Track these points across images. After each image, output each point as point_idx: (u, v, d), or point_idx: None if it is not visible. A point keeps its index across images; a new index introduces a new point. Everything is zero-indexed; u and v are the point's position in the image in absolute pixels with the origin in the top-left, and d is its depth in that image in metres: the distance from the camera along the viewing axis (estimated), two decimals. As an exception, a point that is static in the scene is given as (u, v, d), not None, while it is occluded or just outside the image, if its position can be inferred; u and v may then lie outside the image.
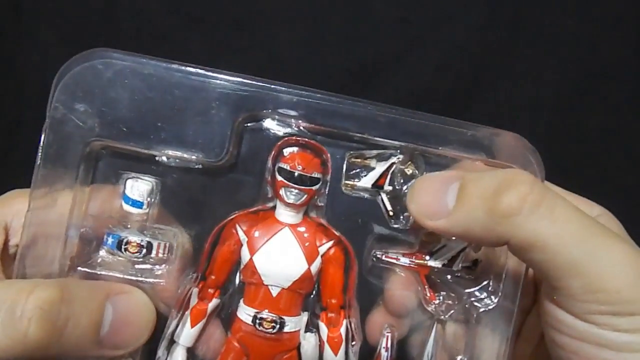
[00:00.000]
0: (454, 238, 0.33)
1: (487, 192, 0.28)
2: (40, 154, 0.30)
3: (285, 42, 0.58)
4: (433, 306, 0.33)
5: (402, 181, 0.33)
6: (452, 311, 0.33)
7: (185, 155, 0.30)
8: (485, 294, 0.33)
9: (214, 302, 0.34)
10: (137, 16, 0.55)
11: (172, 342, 0.34)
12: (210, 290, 0.34)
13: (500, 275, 0.32)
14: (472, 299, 0.33)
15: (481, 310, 0.32)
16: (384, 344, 0.33)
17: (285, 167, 0.32)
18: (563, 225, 0.27)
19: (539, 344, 0.35)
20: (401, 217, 0.33)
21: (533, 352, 0.35)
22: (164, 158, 0.31)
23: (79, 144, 0.30)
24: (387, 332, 0.33)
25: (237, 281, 0.35)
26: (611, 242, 0.27)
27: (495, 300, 0.32)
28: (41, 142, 0.29)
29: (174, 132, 0.30)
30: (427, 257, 0.33)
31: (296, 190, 0.32)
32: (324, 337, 0.34)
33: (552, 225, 0.27)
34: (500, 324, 0.32)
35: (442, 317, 0.33)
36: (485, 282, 0.33)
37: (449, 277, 0.33)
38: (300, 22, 0.59)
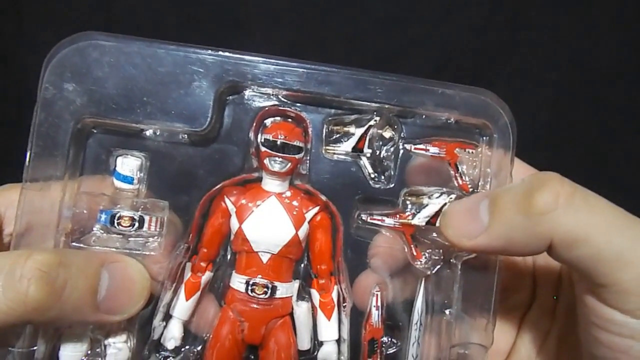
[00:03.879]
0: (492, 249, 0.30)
1: (518, 197, 0.28)
2: (32, 132, 0.31)
3: (285, 42, 0.60)
4: (419, 263, 0.34)
5: (380, 144, 0.34)
6: (438, 266, 0.34)
7: (171, 127, 0.32)
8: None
9: (207, 275, 0.35)
10: (137, 16, 0.57)
11: (167, 315, 0.35)
12: (203, 264, 0.35)
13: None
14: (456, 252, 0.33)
15: (464, 259, 0.33)
16: (374, 303, 0.34)
17: (268, 137, 0.34)
18: (601, 215, 0.27)
19: (545, 340, 0.35)
20: (382, 178, 0.34)
21: (539, 351, 0.35)
22: (151, 132, 0.33)
23: (69, 121, 0.31)
24: (377, 291, 0.34)
25: (228, 255, 0.36)
26: None
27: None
28: (32, 122, 0.31)
29: (159, 105, 0.32)
30: (411, 217, 0.34)
31: (280, 159, 0.34)
32: (316, 303, 0.35)
33: (591, 217, 0.27)
34: (485, 273, 0.33)
35: (429, 272, 0.34)
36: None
37: (434, 234, 0.34)
38: (300, 22, 0.61)
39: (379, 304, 0.34)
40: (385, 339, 0.34)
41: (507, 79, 0.60)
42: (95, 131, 0.33)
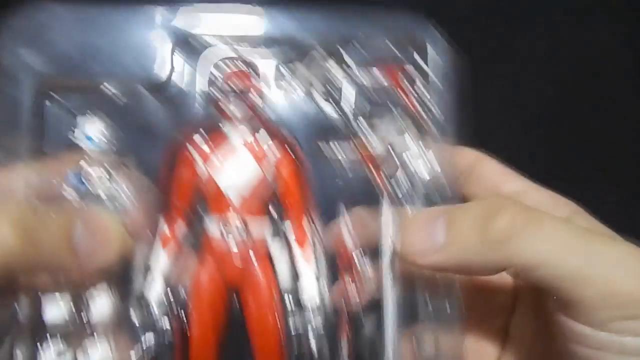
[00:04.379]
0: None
1: (476, 221, 0.29)
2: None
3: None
4: (382, 185, 0.36)
5: (328, 76, 0.37)
6: (399, 184, 0.36)
7: (128, 80, 0.33)
8: (424, 154, 0.36)
9: (181, 227, 0.36)
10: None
11: (147, 271, 0.35)
12: (176, 217, 0.36)
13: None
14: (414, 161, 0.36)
15: (423, 166, 0.35)
16: (344, 226, 0.36)
17: (223, 84, 0.36)
18: (556, 238, 0.28)
19: (533, 345, 0.35)
20: (333, 106, 0.36)
21: (529, 350, 0.36)
22: (111, 88, 0.34)
23: (26, 84, 0.32)
24: (345, 213, 0.36)
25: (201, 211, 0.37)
26: (609, 244, 0.28)
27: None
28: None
29: (115, 60, 0.33)
30: (367, 143, 0.36)
31: (237, 102, 0.35)
32: (290, 239, 0.37)
33: (545, 241, 0.28)
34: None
35: (392, 189, 0.36)
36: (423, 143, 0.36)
37: (392, 154, 0.36)
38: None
39: (349, 226, 0.36)
40: (360, 260, 0.36)
41: (506, 78, 0.60)
42: (54, 94, 0.34)
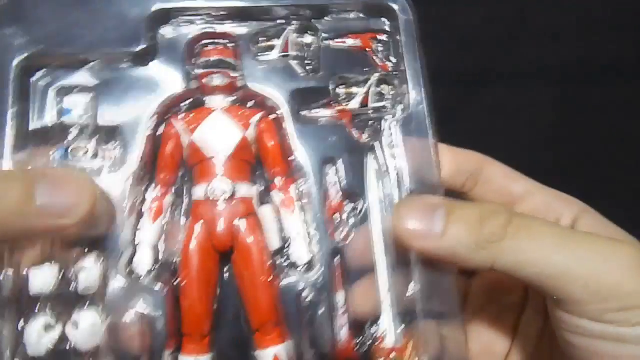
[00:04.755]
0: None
1: (472, 219, 0.31)
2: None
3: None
4: (363, 139, 0.37)
5: (304, 48, 0.39)
6: (378, 136, 0.37)
7: (110, 50, 0.35)
8: (399, 106, 0.37)
9: (168, 198, 0.36)
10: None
11: (134, 242, 0.35)
12: (163, 189, 0.36)
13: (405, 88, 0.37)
14: (391, 117, 0.37)
15: (399, 118, 0.36)
16: (329, 181, 0.36)
17: (202, 60, 0.37)
18: (542, 239, 0.30)
19: (540, 342, 0.37)
20: (311, 74, 0.38)
21: (535, 350, 0.37)
22: (94, 62, 0.35)
23: (12, 60, 0.33)
24: (329, 169, 0.36)
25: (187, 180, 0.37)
26: (593, 243, 0.30)
27: (409, 108, 0.37)
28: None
29: (97, 36, 0.35)
30: (345, 103, 0.38)
31: (217, 74, 0.37)
32: (278, 203, 0.37)
33: (532, 242, 0.30)
34: (419, 126, 0.36)
35: (372, 143, 0.37)
36: (397, 99, 0.37)
37: (370, 112, 0.38)
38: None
39: (334, 180, 0.36)
40: (348, 207, 0.36)
41: (506, 78, 0.61)
42: (38, 70, 0.35)
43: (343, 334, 0.34)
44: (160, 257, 0.35)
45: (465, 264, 0.32)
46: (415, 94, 0.36)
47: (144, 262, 0.35)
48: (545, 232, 0.31)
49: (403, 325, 0.34)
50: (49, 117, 0.35)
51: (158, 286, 0.34)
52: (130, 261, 0.35)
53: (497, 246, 0.30)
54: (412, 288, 0.34)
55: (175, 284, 0.34)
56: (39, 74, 0.35)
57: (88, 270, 0.33)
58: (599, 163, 0.60)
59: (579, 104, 0.61)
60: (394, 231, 0.32)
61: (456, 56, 0.59)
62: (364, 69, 0.38)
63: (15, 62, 0.34)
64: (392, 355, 0.33)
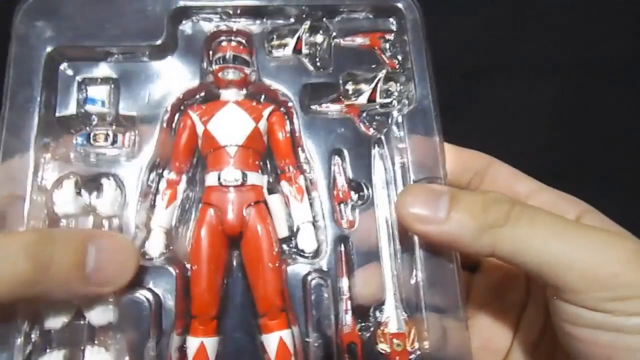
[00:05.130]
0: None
1: (475, 206, 0.32)
2: (8, 66, 0.35)
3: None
4: (370, 133, 0.38)
5: (316, 47, 0.40)
6: (385, 129, 0.38)
7: (132, 44, 0.37)
8: (406, 101, 0.38)
9: (182, 184, 0.38)
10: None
11: (148, 227, 0.37)
12: (177, 176, 0.38)
13: (411, 85, 0.39)
14: (397, 111, 0.38)
15: (406, 112, 0.38)
16: (336, 171, 0.37)
17: (218, 55, 0.39)
18: (542, 227, 0.31)
19: (541, 339, 0.38)
20: (321, 70, 0.39)
21: (535, 347, 0.38)
22: (117, 55, 0.37)
23: (41, 50, 0.36)
24: (337, 159, 0.38)
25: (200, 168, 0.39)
26: (592, 233, 0.31)
27: (415, 102, 0.38)
28: (8, 56, 0.35)
29: (120, 28, 0.37)
30: (353, 99, 0.39)
31: (232, 69, 0.39)
32: (287, 192, 0.38)
33: (531, 230, 0.31)
34: (425, 120, 0.37)
35: (379, 136, 0.38)
36: (404, 95, 0.39)
37: (377, 107, 0.39)
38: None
39: (341, 170, 0.38)
40: (354, 196, 0.37)
41: (506, 78, 0.61)
42: (65, 61, 0.37)
43: (347, 318, 0.35)
44: (172, 241, 0.37)
45: (467, 250, 0.32)
46: (421, 90, 0.38)
47: (156, 246, 0.36)
48: (546, 222, 0.31)
49: (406, 312, 0.35)
50: (73, 105, 0.37)
51: (169, 268, 0.35)
52: (144, 244, 0.36)
53: (499, 232, 0.31)
54: (416, 276, 0.35)
55: (186, 266, 0.36)
56: (65, 65, 0.37)
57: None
58: (599, 161, 0.60)
59: (581, 101, 0.61)
60: (398, 215, 0.33)
61: (459, 54, 0.59)
62: (372, 66, 0.40)
63: (44, 53, 0.36)
64: (395, 340, 0.34)
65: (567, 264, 0.30)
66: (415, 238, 0.35)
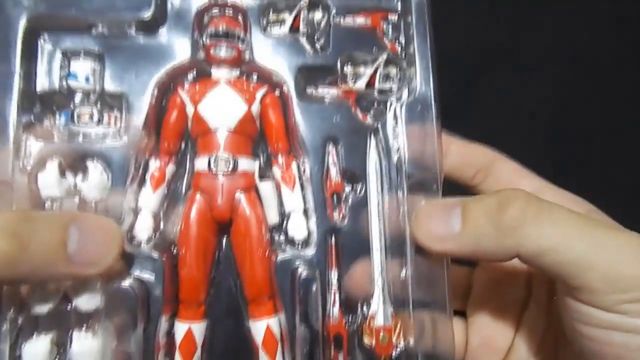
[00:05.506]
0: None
1: (490, 210, 0.31)
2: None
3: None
4: (367, 121, 0.37)
5: (314, 23, 0.38)
6: (383, 118, 0.37)
7: (118, 18, 0.34)
8: (405, 89, 0.37)
9: (170, 167, 0.37)
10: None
11: (136, 210, 0.36)
12: (165, 158, 0.37)
13: (412, 71, 0.37)
14: (397, 100, 0.37)
15: (405, 101, 0.36)
16: (330, 160, 0.37)
17: (211, 29, 0.37)
18: (563, 226, 0.30)
19: (543, 338, 0.37)
20: (319, 51, 0.37)
21: (538, 346, 0.37)
22: (101, 28, 0.35)
23: (18, 19, 0.33)
24: (331, 148, 0.37)
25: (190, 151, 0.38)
26: (614, 232, 0.30)
27: (414, 93, 0.36)
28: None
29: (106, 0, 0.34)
30: (352, 84, 0.38)
31: (225, 46, 0.36)
32: (278, 178, 0.37)
33: (554, 228, 0.30)
34: (424, 111, 0.36)
35: (376, 125, 0.37)
36: (404, 82, 0.37)
37: (375, 94, 0.37)
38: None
39: (335, 160, 0.37)
40: (347, 189, 0.37)
41: (506, 79, 0.61)
42: (46, 33, 0.34)
43: (335, 310, 0.35)
44: (160, 225, 0.36)
45: (491, 257, 0.32)
46: (422, 78, 0.36)
47: (144, 229, 0.35)
48: (567, 218, 0.30)
49: (392, 307, 0.35)
50: (55, 80, 0.35)
51: (157, 253, 0.35)
52: (131, 228, 0.35)
53: (521, 232, 0.30)
54: (405, 272, 0.35)
55: (174, 251, 0.35)
56: (46, 36, 0.35)
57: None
58: (599, 159, 0.60)
59: (579, 101, 0.61)
60: (416, 239, 0.33)
61: (456, 56, 0.56)
62: (373, 49, 0.38)
63: (22, 22, 0.33)
64: (381, 334, 0.35)
65: (588, 264, 0.29)
66: (407, 233, 0.35)
